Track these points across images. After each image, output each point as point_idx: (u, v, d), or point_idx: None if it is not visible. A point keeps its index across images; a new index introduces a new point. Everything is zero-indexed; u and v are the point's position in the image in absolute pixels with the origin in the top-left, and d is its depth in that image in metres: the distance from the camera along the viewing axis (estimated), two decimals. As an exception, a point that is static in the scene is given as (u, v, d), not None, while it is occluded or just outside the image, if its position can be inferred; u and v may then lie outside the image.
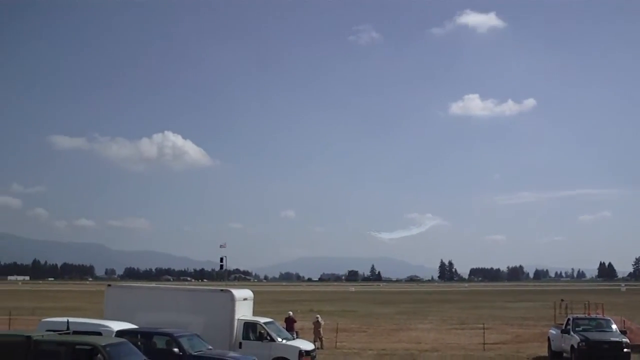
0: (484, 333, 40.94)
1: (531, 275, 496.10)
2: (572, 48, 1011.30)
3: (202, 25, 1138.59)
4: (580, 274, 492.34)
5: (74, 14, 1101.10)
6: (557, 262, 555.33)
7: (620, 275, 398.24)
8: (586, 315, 37.26)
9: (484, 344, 39.69)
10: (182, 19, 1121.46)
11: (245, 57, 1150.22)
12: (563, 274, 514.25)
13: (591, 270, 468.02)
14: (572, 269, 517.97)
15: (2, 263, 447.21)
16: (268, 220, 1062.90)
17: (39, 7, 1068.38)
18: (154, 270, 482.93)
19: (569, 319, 33.88)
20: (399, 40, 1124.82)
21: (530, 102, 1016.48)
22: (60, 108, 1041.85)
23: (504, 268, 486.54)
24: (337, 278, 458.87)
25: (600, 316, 37.34)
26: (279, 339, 28.40)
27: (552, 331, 35.79)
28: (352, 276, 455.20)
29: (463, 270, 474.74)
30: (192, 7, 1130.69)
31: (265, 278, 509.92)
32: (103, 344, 18.77)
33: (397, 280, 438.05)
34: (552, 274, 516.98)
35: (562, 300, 55.85)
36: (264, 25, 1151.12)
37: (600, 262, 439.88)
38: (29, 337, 18.85)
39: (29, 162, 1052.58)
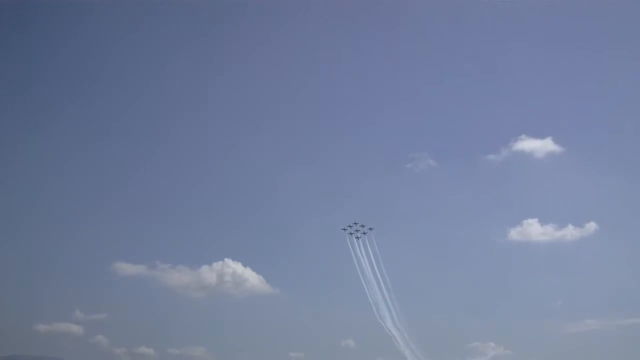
0: None
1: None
2: (632, 170, 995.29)
3: (262, 152, 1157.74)
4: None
5: (123, 148, 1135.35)
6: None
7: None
8: None
9: None
10: (244, 147, 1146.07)
11: (301, 186, 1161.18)
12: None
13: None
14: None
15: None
16: (328, 349, 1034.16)
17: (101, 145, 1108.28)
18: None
19: None
20: (455, 167, 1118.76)
21: (591, 226, 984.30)
22: (124, 236, 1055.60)
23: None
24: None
25: None
26: None
27: None
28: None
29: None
30: (251, 133, 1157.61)
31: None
32: None
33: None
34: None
35: None
36: (323, 153, 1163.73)
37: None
38: None
39: (92, 289, 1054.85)
